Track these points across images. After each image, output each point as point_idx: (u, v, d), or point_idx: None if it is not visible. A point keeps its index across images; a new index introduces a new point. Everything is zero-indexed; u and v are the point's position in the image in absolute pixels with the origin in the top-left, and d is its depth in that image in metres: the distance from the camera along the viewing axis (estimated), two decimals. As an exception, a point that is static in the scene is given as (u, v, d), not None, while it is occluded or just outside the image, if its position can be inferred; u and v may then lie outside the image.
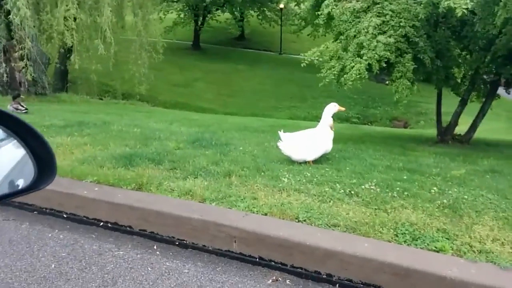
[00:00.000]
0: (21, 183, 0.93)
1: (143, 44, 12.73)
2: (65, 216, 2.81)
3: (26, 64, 9.58)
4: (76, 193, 2.90)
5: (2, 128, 0.90)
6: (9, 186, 0.91)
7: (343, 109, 4.00)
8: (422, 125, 15.07)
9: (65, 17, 9.94)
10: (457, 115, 6.52)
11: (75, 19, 10.49)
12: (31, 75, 9.63)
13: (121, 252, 2.40)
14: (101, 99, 13.33)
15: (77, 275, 2.11)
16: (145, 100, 15.22)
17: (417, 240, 2.34)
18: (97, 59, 11.61)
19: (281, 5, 22.84)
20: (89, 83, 12.96)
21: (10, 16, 9.16)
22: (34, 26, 9.75)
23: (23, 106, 6.79)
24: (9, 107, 6.79)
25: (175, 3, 23.09)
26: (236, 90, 19.08)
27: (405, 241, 2.34)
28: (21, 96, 7.67)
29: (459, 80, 6.79)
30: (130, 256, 2.37)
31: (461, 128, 6.71)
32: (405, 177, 3.47)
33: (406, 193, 3.00)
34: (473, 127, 6.50)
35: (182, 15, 23.50)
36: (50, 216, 2.81)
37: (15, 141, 0.91)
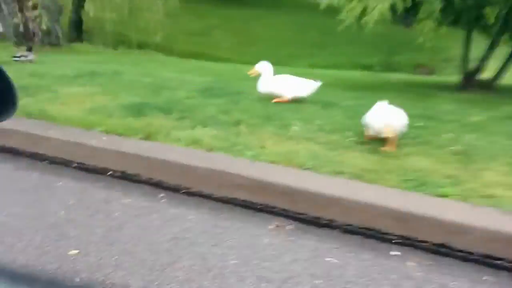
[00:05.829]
0: None
1: (157, -12, 12.29)
2: (74, 165, 2.86)
3: (39, 13, 9.49)
4: (85, 143, 2.92)
5: None
6: None
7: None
8: (449, 73, 14.33)
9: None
10: (484, 59, 6.10)
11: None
12: (45, 24, 9.57)
13: (128, 200, 2.44)
14: (116, 49, 13.19)
15: (84, 222, 2.17)
16: (160, 50, 14.97)
17: (422, 186, 2.27)
18: (111, 8, 11.36)
19: None
20: (104, 33, 12.79)
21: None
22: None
23: (25, 56, 6.67)
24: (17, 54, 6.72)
25: None
26: (254, 39, 18.45)
27: (411, 187, 2.27)
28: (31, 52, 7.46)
29: (490, 22, 6.27)
30: (137, 203, 2.41)
31: (490, 74, 6.30)
32: (421, 124, 3.33)
33: (418, 139, 2.89)
34: (501, 72, 6.09)
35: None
36: (60, 165, 2.86)
37: None
